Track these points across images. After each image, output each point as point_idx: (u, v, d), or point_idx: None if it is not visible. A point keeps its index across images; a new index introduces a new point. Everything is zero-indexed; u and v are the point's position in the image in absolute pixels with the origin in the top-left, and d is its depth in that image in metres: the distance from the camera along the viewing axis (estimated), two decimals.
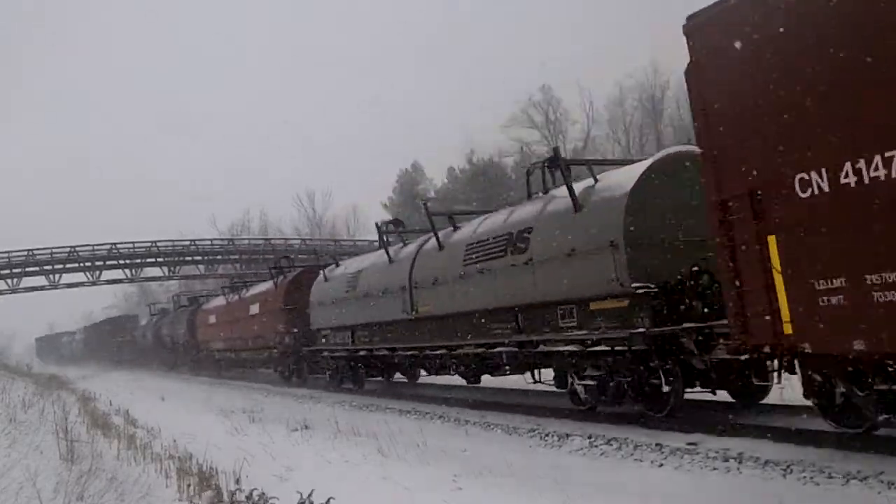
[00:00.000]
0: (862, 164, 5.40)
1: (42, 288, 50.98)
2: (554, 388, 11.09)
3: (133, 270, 54.19)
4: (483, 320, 11.90)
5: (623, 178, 9.48)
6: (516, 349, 11.05)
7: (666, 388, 8.78)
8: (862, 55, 5.41)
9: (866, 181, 5.38)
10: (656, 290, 8.71)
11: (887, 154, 5.25)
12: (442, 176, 59.93)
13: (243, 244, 58.28)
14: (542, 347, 10.45)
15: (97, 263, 51.66)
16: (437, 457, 8.32)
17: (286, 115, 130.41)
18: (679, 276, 8.75)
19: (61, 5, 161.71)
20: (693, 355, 8.49)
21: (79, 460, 8.46)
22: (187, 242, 54.99)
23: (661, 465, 7.35)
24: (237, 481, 6.84)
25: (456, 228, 13.56)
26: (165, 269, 55.12)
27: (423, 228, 17.35)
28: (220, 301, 30.36)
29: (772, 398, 9.12)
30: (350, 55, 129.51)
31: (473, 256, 11.97)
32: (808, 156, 5.75)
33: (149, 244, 53.15)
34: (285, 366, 22.52)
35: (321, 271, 19.74)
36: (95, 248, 51.25)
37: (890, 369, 5.93)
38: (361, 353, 16.91)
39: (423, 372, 17.17)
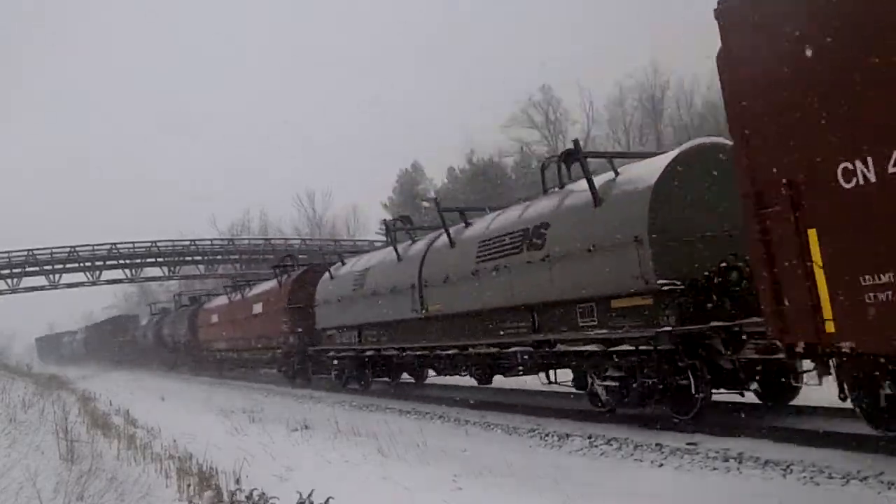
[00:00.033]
0: None
1: (42, 288, 50.98)
2: (566, 389, 10.80)
3: (133, 270, 54.19)
4: (497, 319, 11.57)
5: (646, 171, 9.12)
6: (532, 349, 10.71)
7: (694, 390, 8.43)
8: None
9: None
10: (683, 286, 8.39)
11: None
12: (442, 176, 59.99)
13: (243, 244, 58.27)
14: (559, 347, 10.10)
15: (97, 263, 51.66)
16: (437, 457, 8.33)
17: (286, 115, 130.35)
18: (706, 273, 8.42)
19: (61, 5, 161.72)
20: (721, 355, 8.18)
21: (79, 460, 8.46)
22: (187, 242, 54.99)
23: (661, 465, 7.35)
24: (237, 481, 6.85)
25: (467, 225, 13.18)
26: (165, 269, 55.12)
27: (431, 226, 17.22)
28: (222, 300, 29.86)
29: (800, 399, 8.85)
30: (350, 55, 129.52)
31: (487, 253, 11.60)
32: (853, 144, 5.39)
33: (149, 244, 53.15)
34: (289, 366, 22.01)
35: (327, 269, 19.33)
36: (95, 248, 51.26)
37: None
38: (369, 352, 16.52)
39: (429, 373, 16.87)
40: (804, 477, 6.17)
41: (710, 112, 44.91)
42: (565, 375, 10.83)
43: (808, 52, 5.68)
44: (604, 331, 9.26)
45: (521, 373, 11.93)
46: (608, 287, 9.12)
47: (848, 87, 5.43)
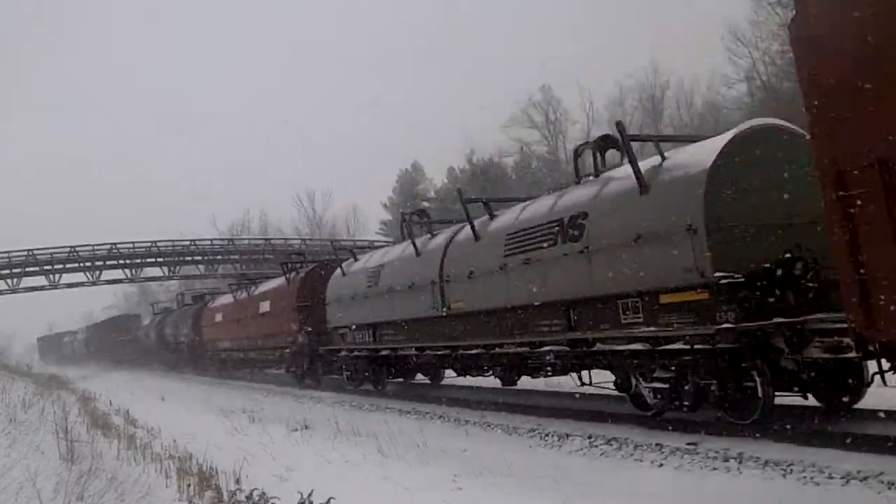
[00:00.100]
0: None
1: (42, 288, 50.92)
2: (605, 391, 10.32)
3: (133, 270, 54.14)
4: (527, 316, 10.79)
5: (699, 154, 8.38)
6: (567, 348, 10.01)
7: (761, 392, 7.77)
8: None
9: None
10: (743, 279, 7.68)
11: None
12: (442, 176, 59.98)
13: (243, 244, 58.25)
14: (598, 346, 9.42)
15: (97, 263, 51.61)
16: (437, 457, 8.33)
17: (286, 115, 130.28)
18: (767, 264, 7.73)
19: (61, 5, 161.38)
20: (783, 354, 7.59)
21: (79, 460, 8.46)
22: (187, 242, 54.96)
23: (661, 465, 7.35)
24: (237, 481, 6.85)
25: (492, 217, 12.45)
26: (165, 269, 55.08)
27: (449, 219, 16.79)
28: (227, 299, 29.16)
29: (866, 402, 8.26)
30: (350, 55, 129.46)
31: (516, 246, 10.89)
32: None
33: (149, 244, 53.12)
34: (299, 366, 21.34)
35: (338, 266, 18.59)
36: (95, 248, 51.21)
37: None
38: (384, 352, 15.85)
39: (445, 374, 16.46)
40: (804, 477, 6.17)
41: (710, 112, 44.95)
42: (600, 376, 10.34)
43: None
44: (651, 328, 8.54)
45: (549, 374, 11.35)
46: (656, 281, 8.41)
47: None
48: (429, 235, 14.84)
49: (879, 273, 5.31)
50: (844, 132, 5.53)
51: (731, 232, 7.87)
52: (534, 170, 53.88)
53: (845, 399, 8.13)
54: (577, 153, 10.83)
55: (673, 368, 8.50)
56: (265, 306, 23.61)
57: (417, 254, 14.34)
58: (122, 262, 52.58)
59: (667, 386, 8.60)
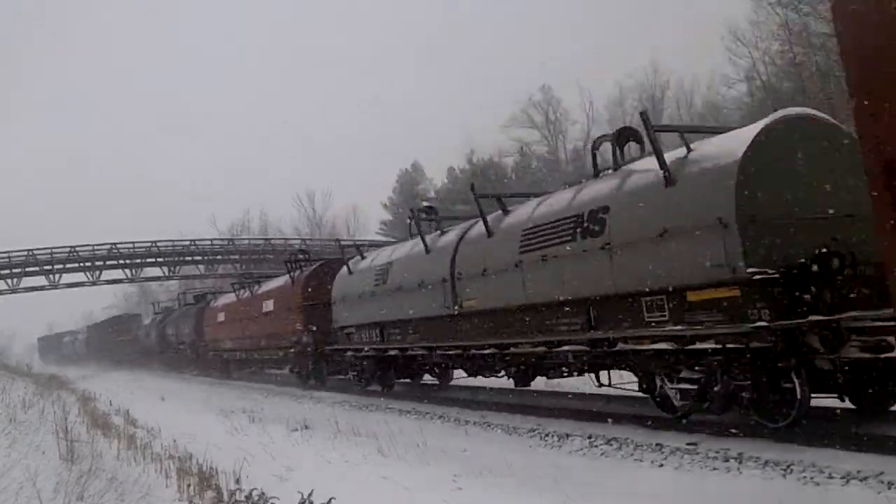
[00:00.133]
0: None
1: (42, 288, 50.93)
2: (626, 392, 10.01)
3: (133, 270, 54.17)
4: (544, 315, 10.39)
5: (729, 144, 8.00)
6: (587, 348, 9.64)
7: (799, 394, 7.42)
8: None
9: None
10: (777, 276, 7.30)
11: None
12: (442, 176, 60.04)
13: (243, 244, 58.27)
14: (621, 346, 9.03)
15: (97, 263, 51.64)
16: (437, 457, 8.33)
17: (286, 115, 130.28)
18: (802, 260, 7.34)
19: (61, 5, 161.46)
20: (818, 354, 7.24)
21: (79, 460, 8.46)
22: (187, 242, 54.99)
23: (661, 465, 7.35)
24: (237, 481, 6.85)
25: (506, 212, 12.05)
26: (165, 269, 55.11)
27: (460, 215, 16.35)
28: (229, 298, 28.69)
29: None
30: (350, 55, 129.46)
31: (532, 242, 10.49)
32: None
33: (149, 244, 53.15)
34: (303, 366, 20.91)
35: (344, 264, 18.03)
36: (95, 248, 51.24)
37: None
38: (392, 352, 15.43)
39: (453, 374, 16.14)
40: (804, 477, 6.17)
41: (710, 112, 44.95)
42: (617, 377, 10.10)
43: None
44: (678, 327, 8.13)
45: (563, 374, 11.11)
46: (683, 277, 8.01)
47: None
48: (438, 232, 14.44)
49: None
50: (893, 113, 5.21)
51: (764, 226, 7.48)
52: (534, 170, 53.90)
53: (882, 401, 7.82)
54: (595, 146, 10.51)
55: (701, 369, 8.13)
56: (269, 305, 23.24)
57: (427, 251, 13.89)
58: (122, 262, 52.60)
59: (695, 387, 8.22)
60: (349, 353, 17.40)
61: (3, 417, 12.48)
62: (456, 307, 12.56)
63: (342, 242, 19.97)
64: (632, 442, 8.30)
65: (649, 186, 8.63)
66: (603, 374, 10.28)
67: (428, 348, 13.95)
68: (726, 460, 7.01)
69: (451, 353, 13.19)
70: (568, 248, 9.72)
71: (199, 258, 56.07)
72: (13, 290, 49.74)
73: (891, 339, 6.38)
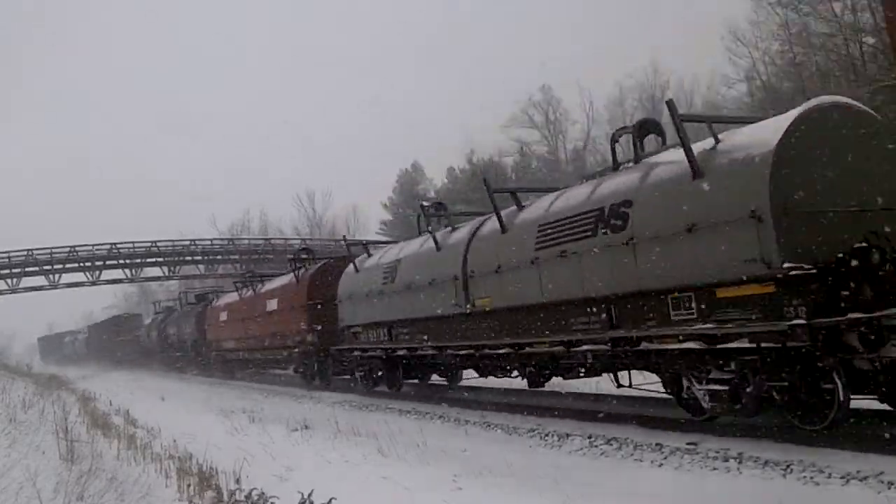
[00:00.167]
0: None
1: (42, 288, 50.98)
2: (649, 393, 9.61)
3: (133, 270, 54.21)
4: (562, 313, 9.97)
5: (762, 134, 7.62)
6: (608, 347, 9.20)
7: (842, 395, 7.02)
8: None
9: None
10: (814, 271, 6.91)
11: None
12: (442, 176, 60.05)
13: (243, 244, 58.31)
14: (644, 345, 8.59)
15: (97, 263, 51.68)
16: (437, 457, 8.33)
17: (286, 115, 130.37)
18: (840, 255, 6.98)
19: (61, 5, 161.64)
20: (858, 353, 6.88)
21: (79, 460, 8.47)
22: (187, 242, 55.04)
23: (661, 465, 7.35)
24: (237, 481, 6.86)
25: (521, 208, 11.61)
26: (165, 269, 55.15)
27: (471, 211, 15.92)
28: (232, 297, 28.22)
29: None
30: (350, 55, 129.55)
31: (549, 238, 10.09)
32: None
33: (149, 244, 53.19)
34: (308, 367, 20.42)
35: (350, 262, 17.49)
36: (95, 248, 51.28)
37: None
38: (401, 352, 14.98)
39: (462, 374, 15.78)
40: (804, 477, 6.17)
41: (710, 112, 44.93)
42: (640, 377, 9.71)
43: None
44: (707, 325, 7.72)
45: (581, 375, 10.77)
46: (712, 273, 7.61)
47: None
48: (449, 229, 14.00)
49: None
50: None
51: (800, 218, 7.10)
52: (534, 170, 53.90)
53: None
54: (615, 139, 10.13)
55: (732, 369, 7.72)
56: (272, 304, 22.75)
57: (438, 248, 13.42)
58: (122, 262, 52.65)
59: (726, 388, 7.78)
60: (356, 353, 16.99)
61: (3, 417, 12.49)
62: (468, 306, 12.13)
63: (348, 241, 19.39)
64: (632, 442, 8.30)
65: (675, 179, 8.23)
66: (621, 375, 9.98)
67: (438, 348, 13.53)
68: (726, 460, 7.01)
69: (462, 353, 12.79)
70: (588, 243, 9.32)
71: (199, 258, 56.12)
72: (13, 290, 49.78)
73: None
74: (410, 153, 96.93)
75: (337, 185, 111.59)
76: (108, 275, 53.58)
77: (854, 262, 6.94)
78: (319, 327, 19.26)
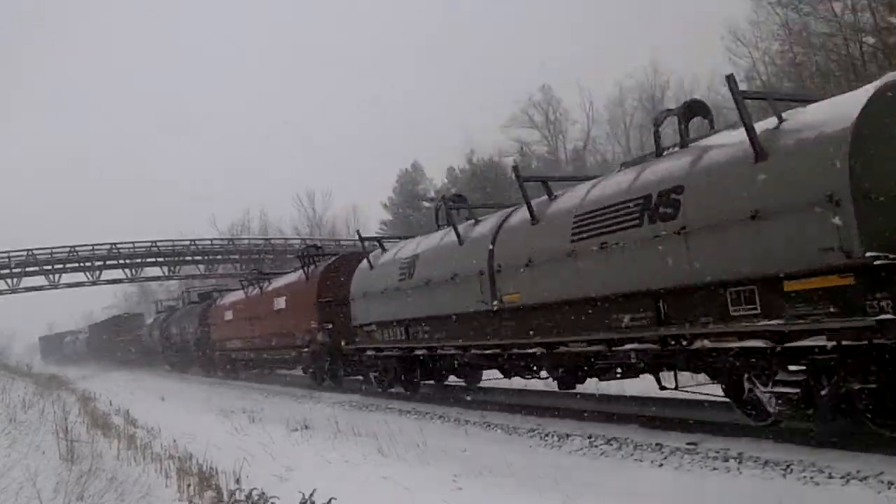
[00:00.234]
0: None
1: (42, 288, 50.98)
2: (703, 397, 9.00)
3: (133, 270, 54.22)
4: (602, 309, 9.30)
5: (835, 111, 6.97)
6: (656, 346, 8.52)
7: None
8: None
9: None
10: None
11: None
12: (442, 176, 59.97)
13: (243, 244, 58.32)
14: (699, 344, 7.90)
15: (97, 263, 51.69)
16: (437, 457, 8.34)
17: (286, 115, 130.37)
18: None
19: (61, 5, 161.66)
20: None
21: (79, 460, 8.47)
22: (187, 242, 55.04)
23: (661, 465, 7.35)
24: (237, 481, 6.86)
25: (552, 198, 10.93)
26: (165, 269, 55.17)
27: (485, 204, 15.44)
28: (237, 296, 27.50)
29: None
30: (350, 55, 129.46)
31: (588, 229, 9.43)
32: None
33: (149, 244, 53.19)
34: (319, 367, 19.78)
35: (364, 257, 16.76)
36: (95, 248, 51.28)
37: None
38: (419, 352, 14.25)
39: (482, 375, 15.11)
40: (804, 477, 6.17)
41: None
42: (684, 378, 9.17)
43: None
44: (774, 321, 7.03)
45: (618, 376, 10.23)
46: (779, 264, 6.92)
47: None
48: (471, 222, 13.36)
49: None
50: None
51: (883, 203, 6.43)
52: (534, 170, 53.88)
53: None
54: (658, 122, 9.50)
55: (801, 370, 7.06)
56: (280, 303, 22.08)
57: (460, 242, 12.70)
58: (122, 262, 52.65)
59: (796, 391, 7.11)
60: (370, 353, 16.28)
61: (3, 417, 12.49)
62: (495, 302, 11.40)
63: (362, 237, 18.97)
64: (632, 442, 8.30)
65: (734, 162, 7.57)
66: (664, 376, 9.39)
67: (461, 347, 12.78)
68: (726, 460, 7.01)
69: (488, 352, 12.12)
70: (633, 233, 8.61)
71: (199, 258, 56.14)
72: (13, 290, 49.78)
73: None
74: (410, 153, 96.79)
75: (337, 185, 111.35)
76: (108, 275, 53.63)
77: None
78: (330, 326, 18.64)
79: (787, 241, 6.86)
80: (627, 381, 10.87)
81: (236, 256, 55.49)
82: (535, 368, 11.69)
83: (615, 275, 8.96)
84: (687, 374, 9.10)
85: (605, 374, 10.31)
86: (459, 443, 9.41)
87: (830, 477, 6.03)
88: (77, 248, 50.46)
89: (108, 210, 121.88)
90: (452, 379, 15.63)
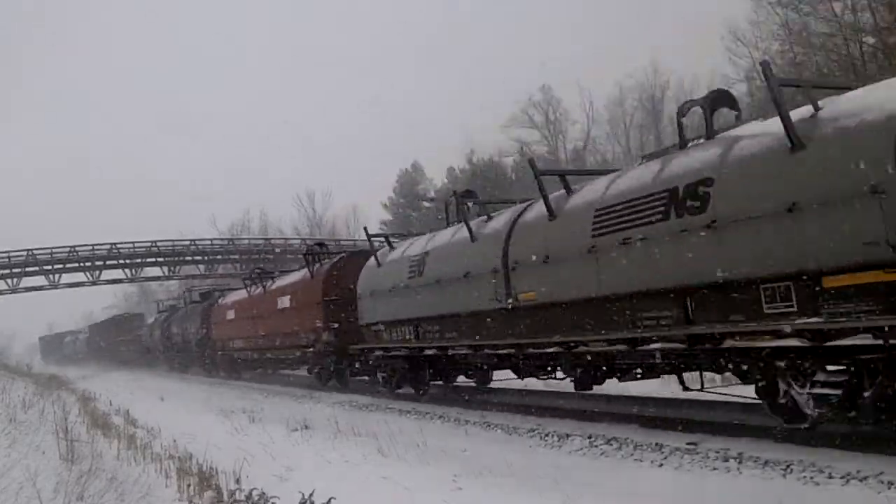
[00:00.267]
0: None
1: (42, 288, 51.01)
2: (733, 398, 8.72)
3: (133, 270, 54.24)
4: (625, 308, 8.98)
5: (876, 98, 6.61)
6: (684, 345, 8.19)
7: None
8: None
9: None
10: None
11: None
12: (442, 176, 59.98)
13: (243, 244, 58.34)
14: (730, 342, 7.59)
15: (97, 263, 51.72)
16: (437, 457, 8.33)
17: (286, 115, 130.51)
18: None
19: (61, 5, 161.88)
20: None
21: (79, 460, 8.46)
22: (187, 242, 55.07)
23: (661, 465, 7.35)
24: (237, 481, 6.85)
25: (570, 192, 10.56)
26: (165, 269, 55.19)
27: (499, 199, 15.10)
28: (240, 295, 27.09)
29: None
30: (350, 55, 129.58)
31: (609, 224, 9.12)
32: None
33: (149, 244, 53.21)
34: (324, 367, 19.39)
35: (372, 255, 16.39)
36: (95, 248, 51.30)
37: None
38: (429, 351, 13.87)
39: (493, 375, 14.84)
40: (804, 477, 6.16)
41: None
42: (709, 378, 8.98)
43: None
44: (813, 318, 6.70)
45: (639, 377, 9.94)
46: (818, 259, 6.61)
47: None
48: (483, 218, 12.94)
49: None
50: None
51: None
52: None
53: None
54: (682, 112, 9.16)
55: (844, 370, 6.77)
56: (284, 302, 21.65)
57: (473, 238, 12.35)
58: (122, 262, 52.66)
59: (837, 392, 6.77)
60: (378, 353, 15.91)
61: (3, 417, 12.49)
62: (510, 300, 11.04)
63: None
64: (632, 442, 8.30)
65: (768, 153, 7.23)
66: (688, 377, 9.16)
67: (473, 347, 12.43)
68: (726, 460, 7.01)
69: (502, 352, 11.80)
70: (659, 228, 8.31)
71: (199, 258, 56.16)
72: (13, 290, 49.80)
73: None
74: (410, 153, 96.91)
75: (337, 185, 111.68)
76: (108, 275, 53.68)
77: None
78: (336, 325, 18.31)
79: (827, 234, 6.52)
80: (628, 382, 10.61)
81: (236, 256, 55.50)
82: (549, 369, 11.44)
83: (639, 271, 8.63)
84: (709, 374, 8.94)
85: (625, 374, 10.01)
86: (459, 443, 9.41)
87: (830, 477, 6.03)
88: (77, 248, 50.49)
89: (108, 210, 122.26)
90: (461, 379, 15.38)
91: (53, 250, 49.65)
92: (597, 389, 10.60)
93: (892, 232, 6.01)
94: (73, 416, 12.94)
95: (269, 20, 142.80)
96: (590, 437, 8.80)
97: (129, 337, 49.71)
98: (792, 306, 6.93)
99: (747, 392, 8.24)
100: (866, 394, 6.55)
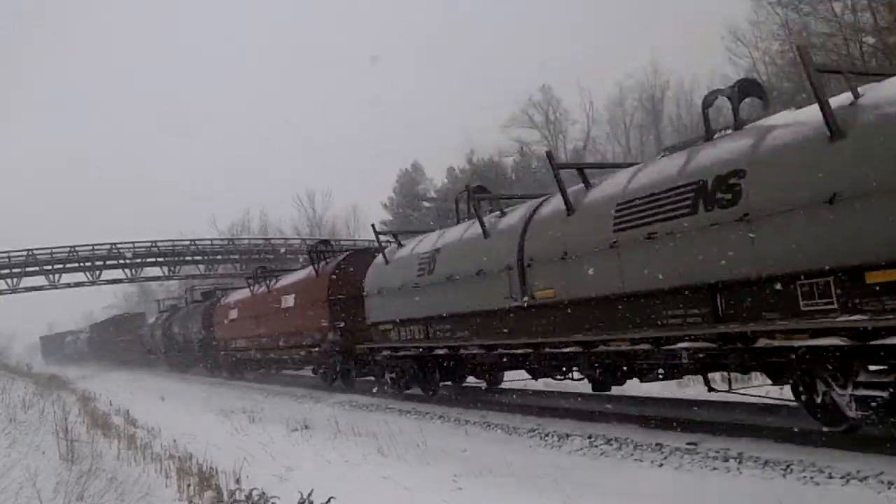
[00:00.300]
0: None
1: (42, 288, 51.01)
2: (764, 400, 8.47)
3: (133, 270, 54.25)
4: (648, 305, 8.60)
5: None
6: (714, 344, 7.82)
7: None
8: None
9: None
10: None
11: None
12: (442, 176, 60.02)
13: (243, 244, 58.35)
14: (763, 342, 7.23)
15: (97, 263, 51.72)
16: (437, 457, 8.33)
17: (286, 115, 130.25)
18: None
19: (61, 5, 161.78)
20: None
21: (79, 460, 8.47)
22: (187, 242, 55.07)
23: (661, 465, 7.34)
24: (237, 481, 6.86)
25: (589, 186, 10.19)
26: (165, 269, 55.19)
27: (513, 195, 15.01)
28: (242, 294, 26.77)
29: None
30: (350, 55, 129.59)
31: (632, 218, 8.74)
32: None
33: (149, 244, 53.22)
34: (330, 367, 19.05)
35: (380, 252, 15.90)
36: (95, 248, 51.31)
37: None
38: (440, 351, 13.47)
39: (503, 375, 14.58)
40: (804, 477, 6.16)
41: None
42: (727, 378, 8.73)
43: None
44: (855, 316, 6.33)
45: (661, 377, 9.58)
46: (860, 253, 6.27)
47: None
48: (497, 213, 12.56)
49: None
50: None
51: None
52: (534, 170, 53.91)
53: None
54: (708, 102, 8.85)
55: (888, 370, 6.44)
56: (289, 301, 21.30)
57: (486, 235, 11.98)
58: (122, 262, 52.65)
59: (882, 394, 6.39)
60: (385, 353, 15.50)
61: (3, 417, 12.49)
62: (525, 298, 10.69)
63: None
64: (632, 442, 8.29)
65: (806, 142, 6.89)
66: (713, 377, 8.91)
67: (486, 347, 12.05)
68: (726, 460, 7.01)
69: (517, 351, 11.42)
70: (686, 222, 7.93)
71: (199, 258, 56.15)
72: (13, 290, 49.80)
73: None
74: (410, 153, 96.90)
75: (337, 185, 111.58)
76: (108, 275, 53.64)
77: None
78: (342, 325, 17.96)
79: (871, 227, 6.15)
80: (628, 382, 10.60)
81: (236, 256, 55.50)
82: (565, 369, 11.16)
83: (664, 267, 8.24)
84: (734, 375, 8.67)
85: (646, 374, 9.67)
86: (459, 443, 9.41)
87: (830, 477, 6.03)
88: (77, 248, 50.50)
89: (108, 210, 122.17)
90: (471, 380, 15.10)
91: (53, 250, 49.66)
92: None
93: None
94: (73, 416, 12.95)
95: (268, 20, 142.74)
96: (590, 437, 8.80)
97: (130, 337, 49.62)
98: (832, 303, 6.56)
99: (776, 392, 8.07)
100: None
